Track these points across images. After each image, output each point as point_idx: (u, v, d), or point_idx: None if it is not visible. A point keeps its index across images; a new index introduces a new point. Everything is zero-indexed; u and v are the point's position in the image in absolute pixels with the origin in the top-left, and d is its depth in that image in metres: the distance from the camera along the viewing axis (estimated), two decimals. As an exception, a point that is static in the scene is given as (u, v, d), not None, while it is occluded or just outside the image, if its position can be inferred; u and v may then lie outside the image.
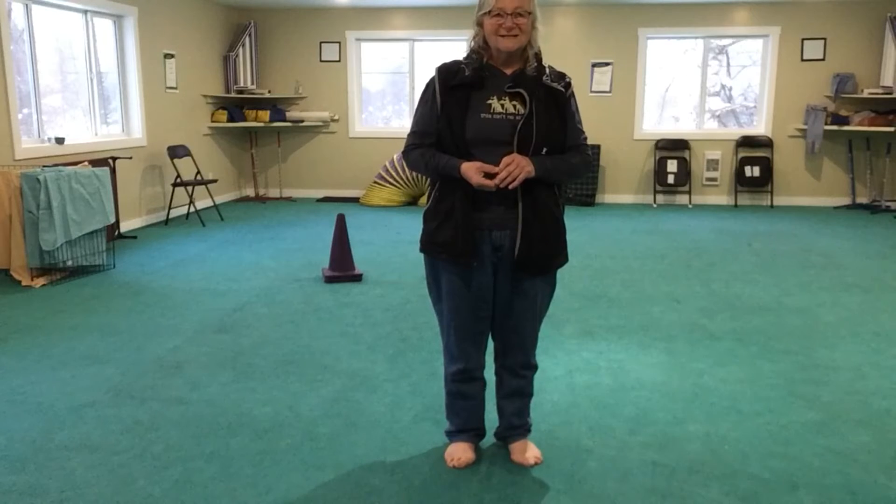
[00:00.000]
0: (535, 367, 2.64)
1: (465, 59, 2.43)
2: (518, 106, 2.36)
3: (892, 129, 8.46)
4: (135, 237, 6.95)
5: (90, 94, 7.03)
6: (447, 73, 2.41)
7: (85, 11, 6.85)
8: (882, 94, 8.47)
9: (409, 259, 5.96)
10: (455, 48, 9.40)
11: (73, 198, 5.29)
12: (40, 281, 5.11)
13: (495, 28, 2.34)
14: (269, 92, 9.54)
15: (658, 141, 9.20)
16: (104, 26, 7.20)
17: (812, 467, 2.60)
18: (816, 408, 3.10)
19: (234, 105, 9.34)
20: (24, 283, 5.09)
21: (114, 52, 7.34)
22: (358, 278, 5.25)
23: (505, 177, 2.27)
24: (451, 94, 2.38)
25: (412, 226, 7.56)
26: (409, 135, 2.49)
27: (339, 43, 9.51)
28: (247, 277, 5.35)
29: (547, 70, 2.43)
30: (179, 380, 3.40)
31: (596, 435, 2.85)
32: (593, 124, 9.27)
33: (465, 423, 2.67)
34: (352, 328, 4.17)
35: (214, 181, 8.17)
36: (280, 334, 4.06)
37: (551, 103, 2.39)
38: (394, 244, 6.59)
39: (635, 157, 9.33)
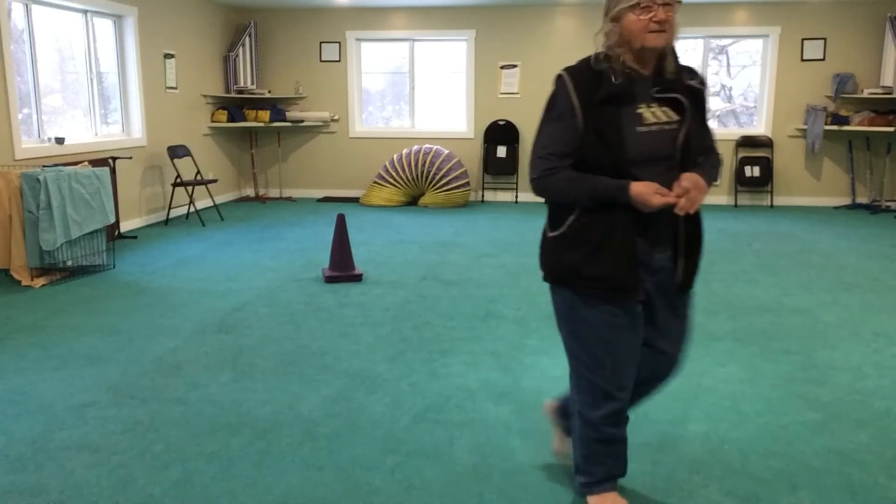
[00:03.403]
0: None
1: (599, 61, 2.07)
2: (670, 113, 2.07)
3: (892, 129, 8.46)
4: (135, 237, 6.95)
5: (90, 94, 7.03)
6: (585, 83, 2.05)
7: (85, 11, 6.85)
8: (882, 94, 8.47)
9: (409, 259, 5.96)
10: (455, 48, 9.41)
11: (73, 198, 5.29)
12: (40, 281, 5.11)
13: (644, 23, 1.98)
14: (269, 92, 9.54)
15: (658, 141, 9.19)
16: (104, 26, 7.20)
17: (812, 467, 2.60)
18: (816, 408, 3.10)
19: (234, 105, 9.34)
20: (24, 283, 5.09)
21: (114, 52, 7.34)
22: (358, 278, 5.25)
23: (685, 204, 1.99)
24: (596, 107, 2.02)
25: (412, 226, 7.56)
26: (538, 158, 2.09)
27: (339, 43, 9.51)
28: (247, 277, 5.35)
29: (683, 66, 2.14)
30: (179, 380, 3.40)
31: (596, 435, 2.85)
32: (593, 124, 9.27)
33: (609, 472, 2.31)
34: (352, 328, 4.17)
35: (214, 181, 8.17)
36: (280, 334, 4.06)
37: (696, 104, 2.12)
38: (394, 244, 6.59)
39: (635, 157, 9.32)
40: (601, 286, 2.08)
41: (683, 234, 2.14)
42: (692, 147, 2.07)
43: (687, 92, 2.09)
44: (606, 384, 2.18)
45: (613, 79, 2.03)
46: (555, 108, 2.08)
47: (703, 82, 2.14)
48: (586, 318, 2.15)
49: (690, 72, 2.14)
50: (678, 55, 2.11)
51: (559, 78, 2.10)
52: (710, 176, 2.13)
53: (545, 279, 2.21)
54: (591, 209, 2.06)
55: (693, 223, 2.15)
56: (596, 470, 2.31)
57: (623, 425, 2.27)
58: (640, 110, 2.05)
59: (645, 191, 1.98)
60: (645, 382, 2.31)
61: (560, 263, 2.14)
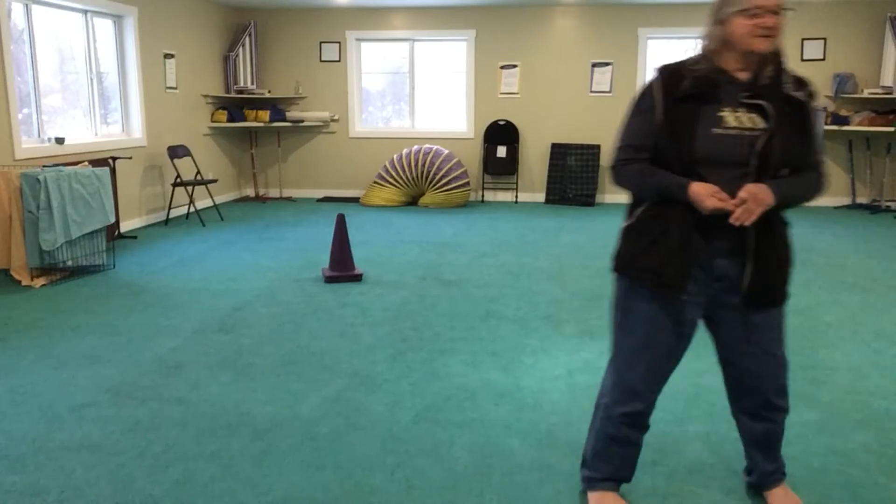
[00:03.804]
0: (782, 410, 2.25)
1: (693, 60, 2.10)
2: (757, 120, 2.02)
3: (892, 129, 8.46)
4: (135, 237, 6.95)
5: (90, 94, 7.03)
6: (671, 80, 2.08)
7: (85, 11, 6.85)
8: (882, 94, 8.47)
9: (409, 259, 5.96)
10: (455, 48, 9.41)
11: (73, 198, 5.29)
12: (40, 281, 5.11)
13: (751, 28, 1.99)
14: (269, 92, 9.54)
15: (658, 141, 9.20)
16: (104, 26, 7.20)
17: (812, 467, 2.60)
18: (816, 408, 3.10)
19: (234, 105, 9.34)
20: (24, 283, 5.09)
21: (114, 52, 7.34)
22: (358, 278, 5.25)
23: (741, 215, 1.96)
24: (676, 104, 2.05)
25: (412, 226, 7.56)
26: (618, 148, 2.16)
27: (339, 43, 9.51)
28: (247, 277, 5.35)
29: (789, 75, 2.08)
30: (179, 380, 3.40)
31: (596, 435, 2.85)
32: (593, 124, 9.28)
33: (615, 472, 2.34)
34: (352, 328, 4.17)
35: (214, 181, 8.17)
36: (280, 334, 4.06)
37: (792, 116, 2.04)
38: (394, 244, 6.59)
39: (635, 157, 9.32)
40: (649, 279, 2.09)
41: (753, 242, 2.06)
42: (772, 157, 2.00)
43: (784, 101, 2.03)
44: (637, 382, 2.19)
45: (697, 79, 2.05)
46: (640, 102, 2.13)
47: (810, 94, 2.08)
48: (634, 310, 2.17)
49: (799, 82, 2.09)
50: (784, 63, 2.08)
51: (656, 75, 2.13)
52: (792, 192, 2.05)
53: (611, 267, 2.24)
54: (657, 203, 2.08)
55: (769, 233, 2.06)
56: (603, 467, 2.33)
57: (640, 431, 2.28)
58: (722, 113, 2.03)
59: (702, 192, 1.98)
60: (738, 399, 2.28)
61: (623, 252, 2.17)
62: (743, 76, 2.06)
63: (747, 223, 1.97)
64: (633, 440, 2.29)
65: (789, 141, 2.02)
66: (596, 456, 2.34)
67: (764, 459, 2.34)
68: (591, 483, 2.36)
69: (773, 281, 2.10)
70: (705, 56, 2.08)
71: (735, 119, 2.03)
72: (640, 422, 2.26)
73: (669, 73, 2.09)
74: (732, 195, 1.98)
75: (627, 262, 2.15)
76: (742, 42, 2.01)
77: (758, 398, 2.22)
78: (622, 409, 2.23)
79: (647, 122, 2.09)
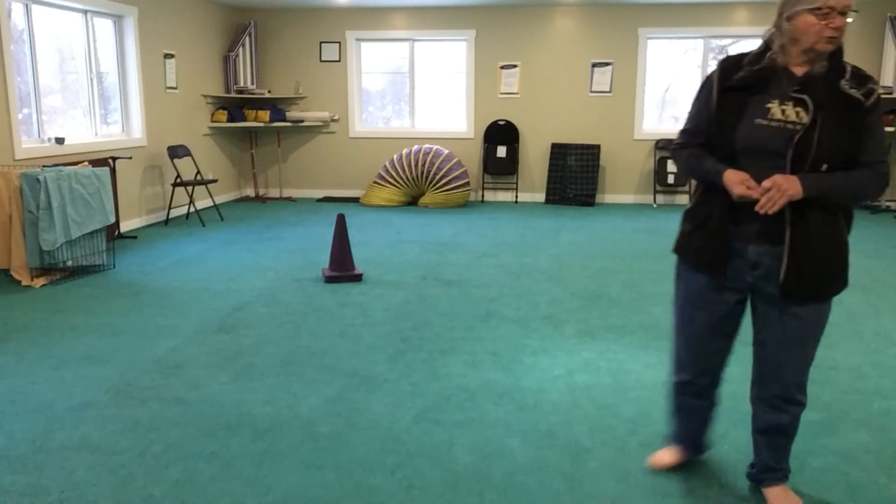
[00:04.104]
0: (799, 404, 2.27)
1: (755, 52, 2.16)
2: (802, 114, 2.06)
3: (892, 128, 8.46)
4: (135, 237, 6.95)
5: (90, 94, 7.03)
6: (728, 70, 2.17)
7: (85, 11, 6.85)
8: (882, 94, 8.47)
9: (409, 259, 5.96)
10: (455, 48, 9.41)
11: (73, 198, 5.29)
12: (40, 281, 5.11)
13: (819, 27, 2.02)
14: (269, 92, 9.54)
15: (658, 141, 9.20)
16: (104, 26, 7.20)
17: (812, 467, 2.60)
18: (816, 408, 3.10)
19: (234, 105, 9.34)
20: (24, 283, 5.09)
21: (114, 52, 7.34)
22: (358, 278, 5.25)
23: (765, 203, 2.02)
24: (728, 93, 2.15)
25: (412, 226, 7.56)
26: (680, 131, 2.31)
27: (339, 43, 9.51)
28: (247, 277, 5.35)
29: (848, 72, 2.08)
30: (179, 380, 3.40)
31: (596, 435, 2.85)
32: (593, 124, 9.28)
33: (676, 433, 2.57)
34: (352, 328, 4.17)
35: (214, 181, 8.17)
36: (280, 334, 4.06)
37: (843, 113, 2.05)
38: (394, 244, 6.59)
39: (635, 157, 9.34)
40: (692, 258, 2.27)
41: (790, 232, 2.10)
42: (810, 151, 2.04)
43: (836, 97, 2.05)
44: (682, 353, 2.40)
45: (749, 71, 2.12)
46: (700, 89, 2.25)
47: (869, 93, 2.06)
48: (681, 287, 2.36)
49: (859, 81, 2.07)
50: (842, 61, 2.09)
51: (716, 65, 2.23)
52: (832, 188, 2.05)
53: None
54: (706, 190, 2.22)
55: (806, 226, 2.09)
56: (672, 430, 2.60)
57: (696, 401, 2.46)
58: (769, 104, 2.09)
59: (733, 179, 2.07)
60: (758, 384, 2.33)
61: (680, 234, 2.34)
62: (799, 71, 2.10)
63: (770, 212, 2.03)
64: (690, 409, 2.48)
65: (832, 137, 2.03)
66: (669, 419, 2.61)
67: (770, 454, 2.36)
68: (666, 441, 2.69)
69: (809, 274, 2.11)
70: (766, 49, 2.13)
71: (781, 112, 2.08)
72: (692, 391, 2.44)
73: (728, 64, 2.18)
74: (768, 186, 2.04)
75: (682, 244, 2.31)
76: (807, 39, 2.04)
77: (778, 388, 2.26)
78: (675, 378, 2.47)
79: (703, 109, 2.21)
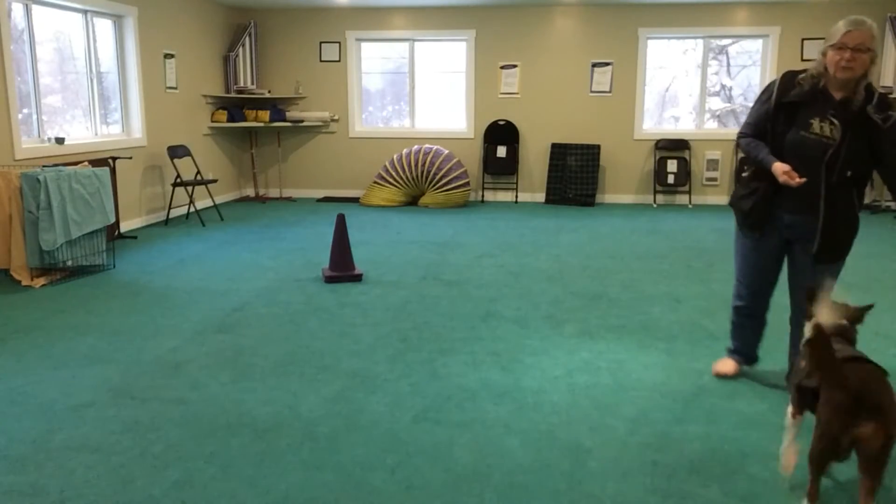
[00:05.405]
0: None
1: (808, 74, 2.89)
2: (835, 131, 2.80)
3: (892, 129, 8.46)
4: (135, 237, 6.95)
5: (90, 94, 7.03)
6: (787, 84, 2.92)
7: (85, 11, 6.85)
8: (882, 94, 8.45)
9: (409, 259, 5.96)
10: (455, 48, 9.41)
11: (73, 198, 5.29)
12: (40, 281, 5.11)
13: (836, 60, 2.77)
14: (269, 92, 9.54)
15: (658, 141, 9.20)
16: (104, 26, 7.20)
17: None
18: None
19: (234, 105, 9.34)
20: (24, 283, 5.09)
21: (114, 52, 7.34)
22: (358, 278, 5.25)
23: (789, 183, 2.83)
24: (784, 104, 2.90)
25: (412, 226, 7.56)
26: (744, 123, 3.08)
27: (339, 43, 9.51)
28: (247, 277, 5.35)
29: (875, 99, 2.79)
30: (179, 380, 3.40)
31: (596, 435, 2.85)
32: (593, 124, 9.28)
33: (738, 346, 3.41)
34: (352, 328, 4.17)
35: (214, 181, 8.17)
36: (280, 334, 4.06)
37: (865, 133, 2.78)
38: (394, 244, 6.59)
39: (635, 157, 9.34)
40: (741, 218, 3.14)
41: (823, 209, 2.90)
42: (838, 160, 2.81)
43: (861, 120, 2.78)
44: (739, 286, 3.29)
45: (802, 90, 2.87)
46: (763, 93, 3.02)
47: (886, 119, 2.77)
48: (737, 238, 3.24)
49: (881, 108, 2.80)
50: (873, 91, 2.81)
51: (779, 75, 3.00)
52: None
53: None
54: (758, 169, 3.00)
55: (835, 207, 2.88)
56: (731, 342, 3.46)
57: (749, 320, 3.33)
58: (812, 119, 2.86)
59: (779, 169, 2.86)
60: (793, 312, 3.17)
61: (734, 193, 3.19)
62: (838, 95, 2.83)
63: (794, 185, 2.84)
64: (746, 325, 3.35)
65: (856, 151, 2.81)
66: (729, 335, 3.45)
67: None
68: (727, 352, 3.48)
69: (834, 243, 2.94)
70: (813, 75, 2.87)
71: (819, 127, 2.85)
72: (747, 312, 3.32)
73: (787, 79, 2.94)
74: (811, 179, 2.84)
75: (734, 201, 3.17)
76: (830, 68, 2.80)
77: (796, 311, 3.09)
78: (734, 304, 3.36)
79: (761, 111, 2.99)
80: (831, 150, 2.77)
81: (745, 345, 3.40)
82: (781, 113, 2.91)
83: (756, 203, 3.03)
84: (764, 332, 3.40)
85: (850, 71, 2.76)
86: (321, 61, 9.58)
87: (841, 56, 2.75)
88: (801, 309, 3.01)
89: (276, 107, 9.49)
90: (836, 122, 2.78)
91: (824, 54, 2.82)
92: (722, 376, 3.39)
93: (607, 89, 9.19)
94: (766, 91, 2.97)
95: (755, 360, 3.45)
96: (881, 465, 2.03)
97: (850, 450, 2.08)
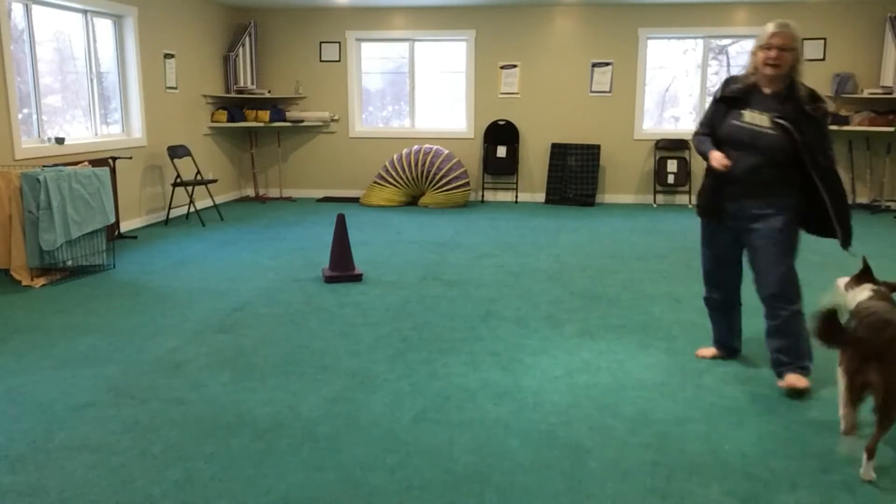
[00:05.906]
0: (783, 309, 3.17)
1: (744, 75, 3.22)
2: (764, 120, 3.11)
3: (892, 129, 8.46)
4: (135, 237, 6.95)
5: (90, 94, 7.03)
6: (727, 83, 3.27)
7: (85, 11, 6.85)
8: (882, 94, 8.47)
9: (409, 259, 5.96)
10: (455, 48, 9.41)
11: (73, 198, 5.29)
12: (40, 281, 5.11)
13: (763, 58, 3.09)
14: (269, 92, 9.54)
15: (658, 141, 9.20)
16: (104, 26, 7.20)
17: (812, 467, 2.60)
18: (816, 408, 3.10)
19: (234, 105, 9.34)
20: (24, 283, 5.09)
21: (114, 52, 7.34)
22: (358, 278, 5.25)
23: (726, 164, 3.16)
24: (722, 100, 3.25)
25: (412, 226, 7.56)
26: (698, 124, 3.38)
27: (339, 43, 9.51)
28: (247, 277, 5.35)
29: (802, 93, 3.08)
30: (179, 380, 3.40)
31: (596, 435, 2.85)
32: (593, 124, 9.28)
33: (716, 337, 3.61)
34: (352, 328, 4.17)
35: (214, 181, 8.17)
36: (280, 334, 4.06)
37: (796, 121, 3.04)
38: (394, 244, 6.59)
39: (635, 157, 9.33)
40: (699, 209, 3.40)
41: (759, 192, 3.20)
42: (769, 145, 3.09)
43: (795, 111, 3.07)
44: (705, 277, 3.50)
45: (736, 87, 3.20)
46: (713, 96, 3.33)
47: (816, 109, 3.09)
48: (700, 229, 3.44)
49: (813, 99, 3.11)
50: (801, 85, 3.10)
51: (721, 81, 3.38)
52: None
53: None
54: (708, 164, 3.23)
55: (769, 189, 3.16)
56: (712, 333, 3.63)
57: (716, 311, 3.54)
58: (744, 111, 3.16)
59: (714, 156, 3.17)
60: (758, 292, 3.27)
61: (699, 191, 3.43)
62: (767, 90, 3.15)
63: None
64: (717, 317, 3.56)
65: (784, 137, 3.08)
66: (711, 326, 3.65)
67: (777, 350, 3.23)
68: (711, 342, 3.66)
69: (759, 216, 3.19)
70: (747, 74, 3.20)
71: (751, 117, 3.15)
72: (713, 305, 3.53)
73: (729, 79, 3.29)
74: (743, 164, 3.14)
75: (698, 198, 3.42)
76: (759, 66, 3.13)
77: (763, 297, 3.23)
78: (704, 294, 3.55)
79: (710, 109, 3.33)
80: (761, 135, 3.08)
81: (721, 336, 3.59)
82: (720, 108, 3.25)
83: (708, 194, 3.30)
84: (739, 326, 3.57)
85: (777, 68, 3.06)
86: (321, 61, 9.58)
87: (767, 55, 3.06)
88: (765, 299, 3.23)
89: (276, 107, 9.49)
90: (764, 112, 3.10)
91: (754, 54, 3.13)
92: (700, 357, 3.65)
93: (607, 89, 9.19)
94: (715, 93, 3.32)
95: (735, 351, 3.62)
96: (888, 406, 2.44)
97: (863, 391, 2.54)
